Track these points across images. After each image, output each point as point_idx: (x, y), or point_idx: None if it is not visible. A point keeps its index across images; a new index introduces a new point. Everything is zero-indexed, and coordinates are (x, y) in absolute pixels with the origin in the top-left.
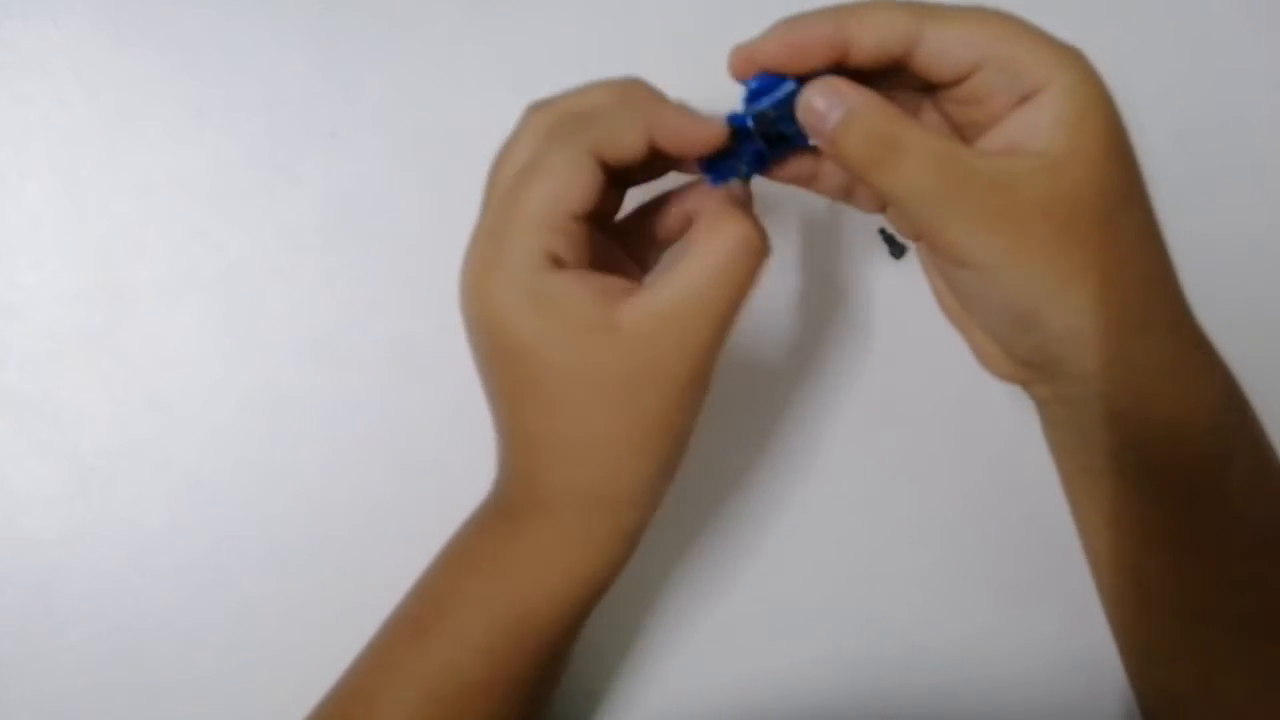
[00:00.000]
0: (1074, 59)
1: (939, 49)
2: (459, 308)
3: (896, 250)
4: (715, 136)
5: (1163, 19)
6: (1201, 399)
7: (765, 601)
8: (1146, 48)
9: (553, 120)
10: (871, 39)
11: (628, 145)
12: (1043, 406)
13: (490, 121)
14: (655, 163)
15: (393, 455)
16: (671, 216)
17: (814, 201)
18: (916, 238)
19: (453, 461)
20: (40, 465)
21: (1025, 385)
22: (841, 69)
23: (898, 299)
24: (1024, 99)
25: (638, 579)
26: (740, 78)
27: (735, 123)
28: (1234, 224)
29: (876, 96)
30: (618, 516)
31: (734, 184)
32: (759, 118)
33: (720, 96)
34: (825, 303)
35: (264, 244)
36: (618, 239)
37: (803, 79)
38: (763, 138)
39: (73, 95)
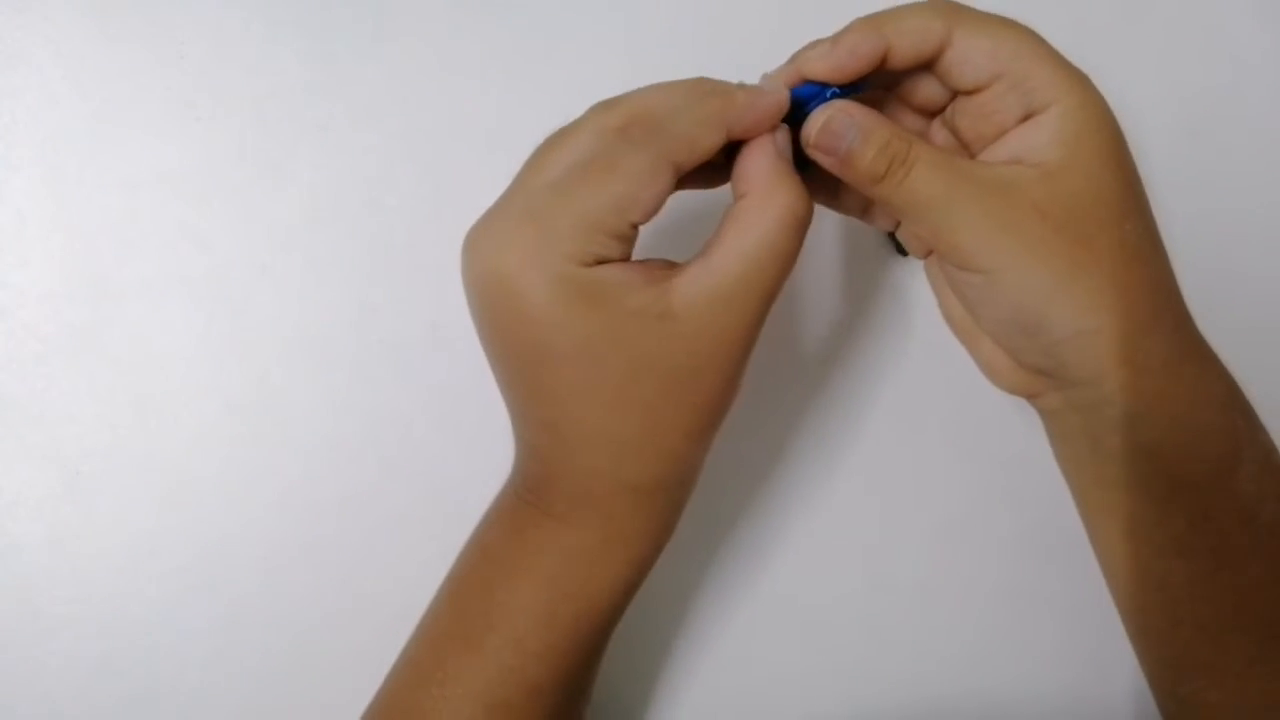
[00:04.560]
0: (1079, 83)
1: (964, 56)
2: (480, 293)
3: (902, 249)
4: (781, 102)
5: (1172, 17)
6: (1208, 399)
7: (773, 605)
8: (1157, 44)
9: (623, 121)
10: (909, 45)
11: (706, 145)
12: (1052, 418)
13: (483, 117)
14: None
15: (383, 456)
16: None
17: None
18: (926, 253)
19: (444, 462)
20: (26, 468)
21: (1034, 397)
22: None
23: (903, 297)
24: (1027, 116)
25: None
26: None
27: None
28: (1244, 219)
29: (883, 117)
30: (674, 500)
31: (780, 142)
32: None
33: None
34: (829, 303)
35: (253, 241)
36: None
37: (842, 87)
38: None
39: (60, 90)
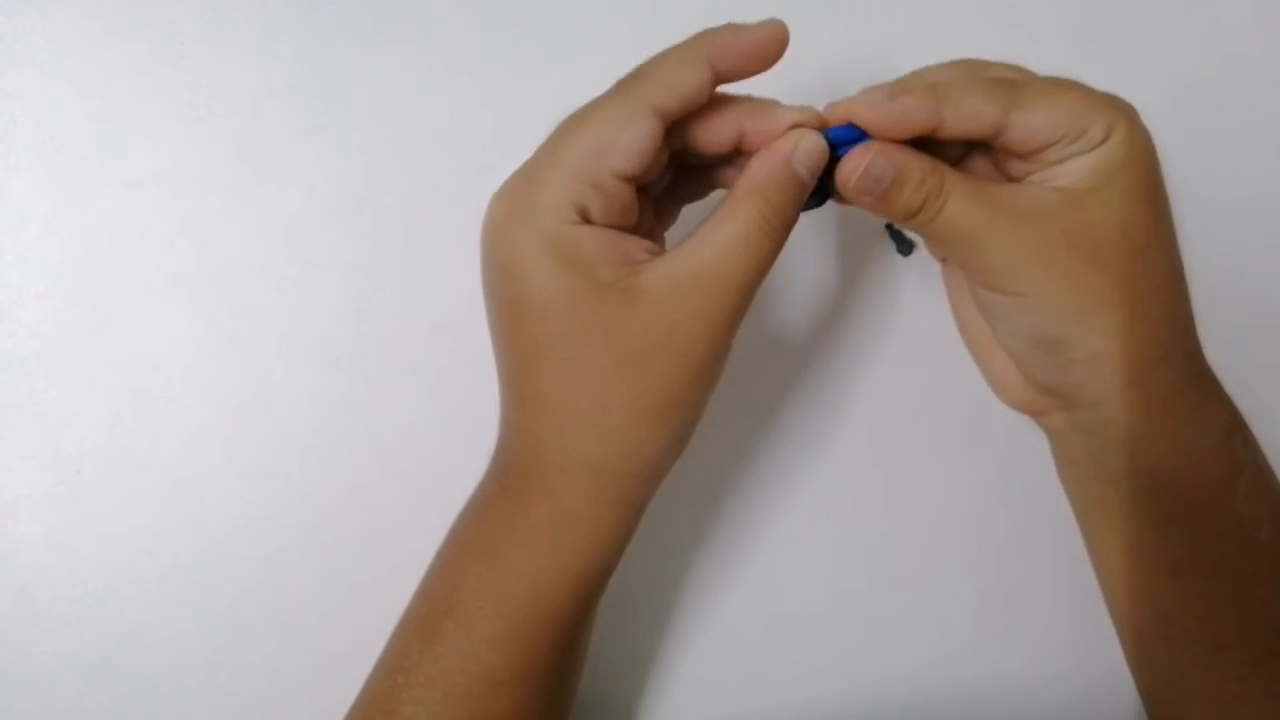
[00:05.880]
0: (1127, 119)
1: (1024, 134)
2: (480, 246)
3: (904, 248)
4: (778, 38)
5: (1171, 17)
6: (1208, 425)
7: (772, 604)
8: (1156, 45)
9: (628, 81)
10: (961, 126)
11: (689, 86)
12: (1057, 438)
13: (482, 117)
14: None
15: (383, 455)
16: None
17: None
18: (944, 256)
19: (445, 462)
20: (26, 467)
21: (1039, 415)
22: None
23: (905, 297)
24: (1080, 153)
25: (637, 579)
26: (829, 127)
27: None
28: (1244, 220)
29: (917, 153)
30: (623, 490)
31: (789, 157)
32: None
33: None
34: (832, 300)
35: (252, 241)
36: (659, 216)
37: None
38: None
39: (60, 89)
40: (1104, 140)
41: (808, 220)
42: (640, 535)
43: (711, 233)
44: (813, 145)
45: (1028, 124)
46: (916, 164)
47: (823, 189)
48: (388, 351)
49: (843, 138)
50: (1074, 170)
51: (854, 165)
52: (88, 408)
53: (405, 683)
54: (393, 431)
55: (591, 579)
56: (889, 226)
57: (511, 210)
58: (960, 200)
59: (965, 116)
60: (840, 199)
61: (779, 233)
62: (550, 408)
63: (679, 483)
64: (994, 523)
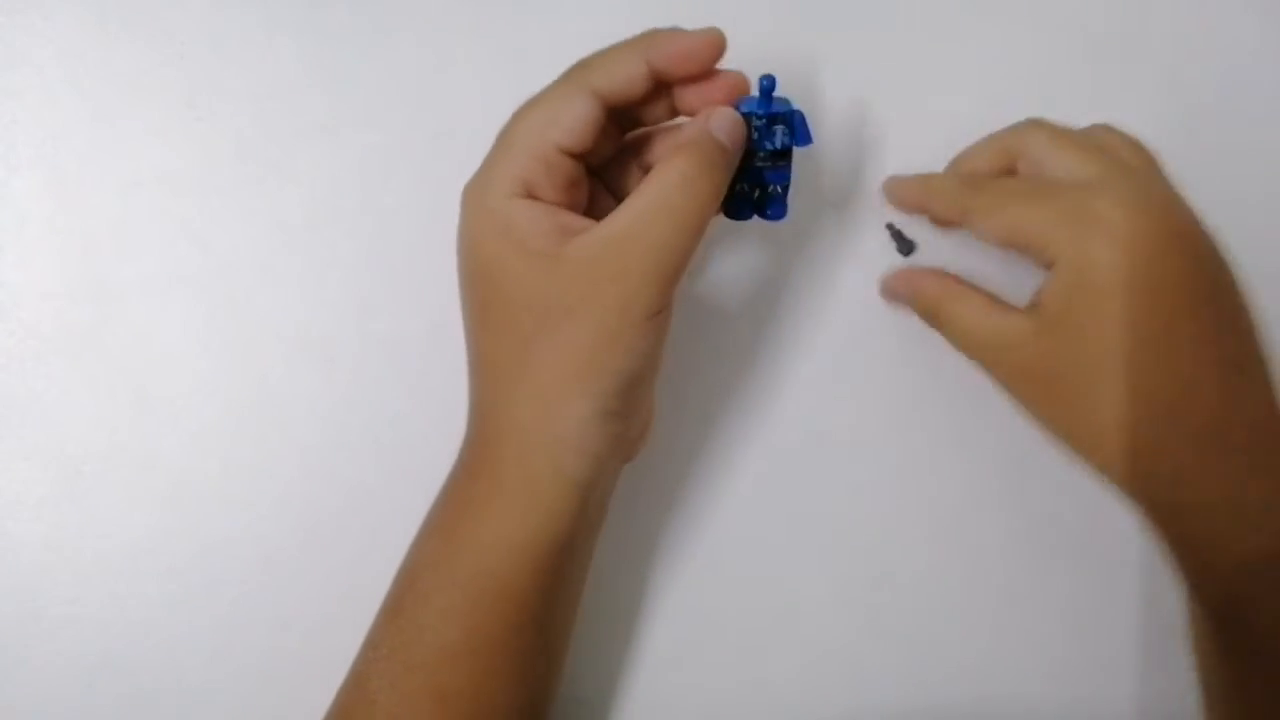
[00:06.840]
0: (1078, 240)
1: (979, 234)
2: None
3: (904, 247)
4: (713, 44)
5: (1171, 17)
6: (1222, 536)
7: (769, 604)
8: (1156, 45)
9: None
10: (942, 216)
11: (625, 75)
12: None
13: (484, 116)
14: (660, 103)
15: (383, 456)
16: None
17: (823, 198)
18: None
19: (445, 462)
20: (26, 467)
21: None
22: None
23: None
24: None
25: (627, 577)
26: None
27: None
28: (1243, 218)
29: (935, 279)
30: (556, 460)
31: (705, 124)
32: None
33: None
34: (830, 297)
35: (253, 240)
36: (614, 190)
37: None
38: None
39: (60, 90)
40: (1055, 260)
41: (806, 220)
42: (625, 533)
43: (633, 199)
44: (725, 113)
45: (980, 234)
46: (923, 292)
47: (763, 182)
48: (388, 351)
49: (760, 109)
50: (1047, 290)
51: (895, 285)
52: (88, 408)
53: (373, 657)
54: (393, 431)
55: (539, 552)
56: (889, 225)
57: (471, 191)
58: (951, 329)
59: (942, 210)
60: (778, 188)
61: (703, 195)
62: (487, 373)
63: (671, 482)
64: (993, 521)
